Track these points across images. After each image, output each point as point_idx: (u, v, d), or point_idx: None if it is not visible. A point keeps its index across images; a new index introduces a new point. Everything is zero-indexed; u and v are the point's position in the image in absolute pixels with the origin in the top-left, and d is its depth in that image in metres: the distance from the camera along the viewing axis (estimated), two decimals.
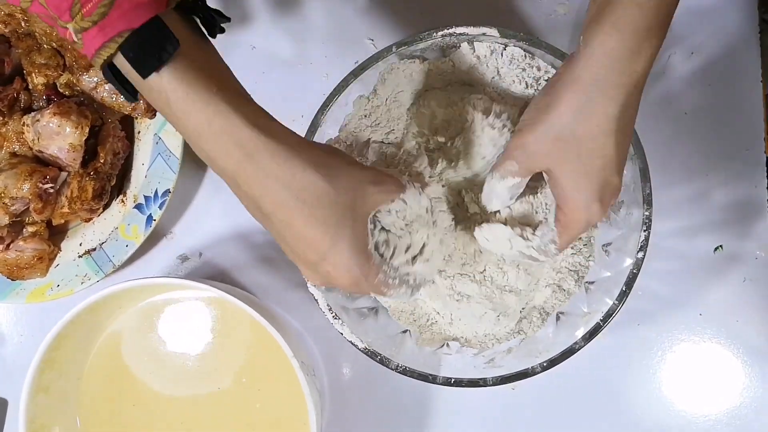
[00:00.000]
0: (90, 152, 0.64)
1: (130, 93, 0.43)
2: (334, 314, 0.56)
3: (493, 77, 0.59)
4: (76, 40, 0.40)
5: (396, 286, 0.48)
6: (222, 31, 0.45)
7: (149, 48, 0.40)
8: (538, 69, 0.58)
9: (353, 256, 0.45)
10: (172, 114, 0.42)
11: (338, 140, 0.60)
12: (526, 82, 0.58)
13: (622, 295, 0.54)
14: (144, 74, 0.40)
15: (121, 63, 0.41)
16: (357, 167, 0.45)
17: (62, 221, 0.67)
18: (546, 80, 0.58)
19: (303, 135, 0.56)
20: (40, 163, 0.64)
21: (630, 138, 0.48)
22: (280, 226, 0.44)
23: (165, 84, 0.40)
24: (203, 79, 0.41)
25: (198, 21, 0.43)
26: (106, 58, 0.40)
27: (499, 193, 0.52)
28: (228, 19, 0.44)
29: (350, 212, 0.44)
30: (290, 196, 0.43)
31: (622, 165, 0.48)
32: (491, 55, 0.58)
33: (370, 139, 0.60)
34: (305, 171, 0.43)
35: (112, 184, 0.66)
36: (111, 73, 0.42)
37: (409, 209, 0.48)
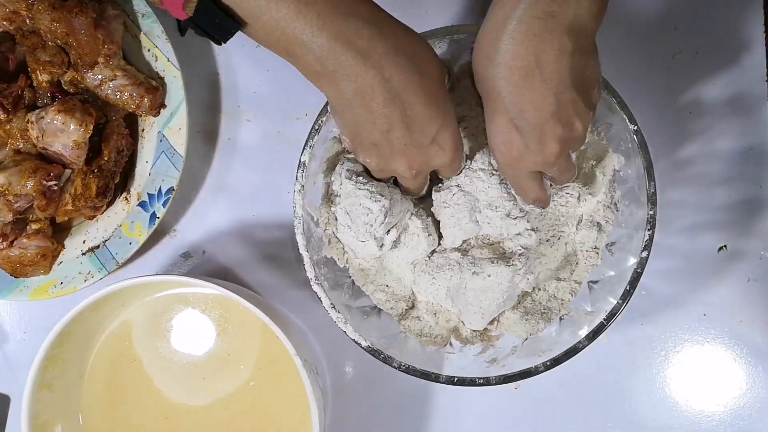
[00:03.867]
0: (94, 150, 0.64)
1: (232, 23, 0.43)
2: (337, 312, 0.56)
3: None
4: None
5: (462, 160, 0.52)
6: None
7: None
8: None
9: (456, 131, 0.49)
10: (291, 13, 0.42)
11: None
12: None
13: (626, 295, 0.54)
14: None
15: None
16: (433, 50, 0.48)
17: (66, 218, 0.67)
18: None
19: (307, 134, 0.57)
20: (44, 161, 0.64)
21: (545, 92, 0.45)
22: (404, 108, 0.45)
23: None
24: None
25: None
26: None
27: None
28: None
29: (444, 87, 0.48)
30: (414, 72, 0.45)
31: (529, 118, 0.46)
32: None
33: None
34: (419, 45, 0.46)
35: (116, 181, 0.66)
36: (213, 5, 0.42)
37: None
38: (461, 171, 0.54)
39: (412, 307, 0.61)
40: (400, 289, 0.60)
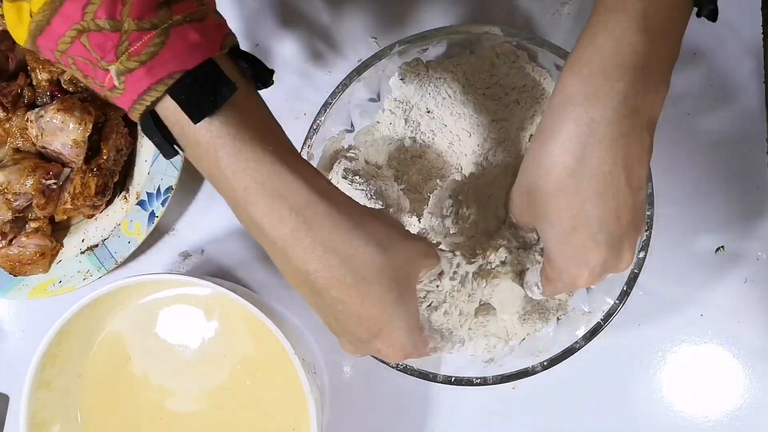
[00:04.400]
0: (93, 148, 0.65)
1: (171, 147, 0.39)
2: None
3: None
4: (117, 84, 0.36)
5: (443, 347, 0.47)
6: (272, 83, 0.42)
7: (203, 91, 0.36)
8: None
9: (408, 333, 0.42)
10: (219, 172, 0.38)
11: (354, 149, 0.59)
12: None
13: (623, 295, 0.54)
14: (196, 119, 0.36)
15: (166, 111, 0.37)
16: (411, 239, 0.43)
17: (65, 217, 0.67)
18: None
19: (305, 133, 0.57)
20: (44, 159, 0.65)
21: (626, 197, 0.41)
22: (332, 303, 0.40)
23: (215, 134, 0.37)
24: (258, 132, 0.38)
25: (248, 70, 0.40)
26: (150, 102, 0.37)
27: (509, 236, 0.51)
28: (272, 72, 0.42)
29: (405, 288, 0.42)
30: (349, 272, 0.39)
31: (612, 230, 0.42)
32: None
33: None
34: (368, 245, 0.40)
35: (115, 180, 0.66)
36: (152, 123, 0.38)
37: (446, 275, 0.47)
38: (444, 350, 0.48)
39: None
40: None
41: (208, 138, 0.37)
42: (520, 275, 0.51)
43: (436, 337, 0.46)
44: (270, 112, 0.41)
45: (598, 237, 0.42)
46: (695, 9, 0.43)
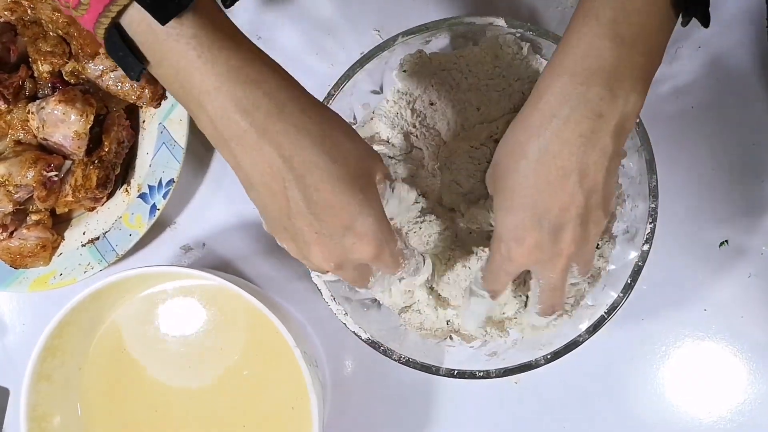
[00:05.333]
0: (94, 141, 0.64)
1: (136, 60, 0.39)
2: (337, 305, 0.56)
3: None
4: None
5: (408, 257, 0.47)
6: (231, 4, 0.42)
7: None
8: None
9: (379, 220, 0.43)
10: (188, 65, 0.38)
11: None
12: None
13: (627, 288, 0.54)
14: (163, 20, 0.37)
15: (131, 21, 0.38)
16: (361, 138, 0.44)
17: (66, 210, 0.67)
18: None
19: None
20: (45, 151, 0.64)
21: (577, 196, 0.44)
22: (306, 193, 0.40)
23: (184, 32, 0.37)
24: (225, 30, 0.39)
25: None
26: (116, 13, 0.37)
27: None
28: None
29: (369, 177, 0.43)
30: (322, 154, 0.40)
31: (553, 219, 0.44)
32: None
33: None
34: (335, 129, 0.41)
35: (117, 173, 0.66)
36: (117, 36, 0.38)
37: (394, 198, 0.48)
38: (409, 267, 0.48)
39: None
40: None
41: (176, 37, 0.38)
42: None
43: (401, 247, 0.47)
44: (233, 24, 0.41)
45: (539, 219, 0.45)
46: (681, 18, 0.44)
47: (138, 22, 0.38)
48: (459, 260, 0.57)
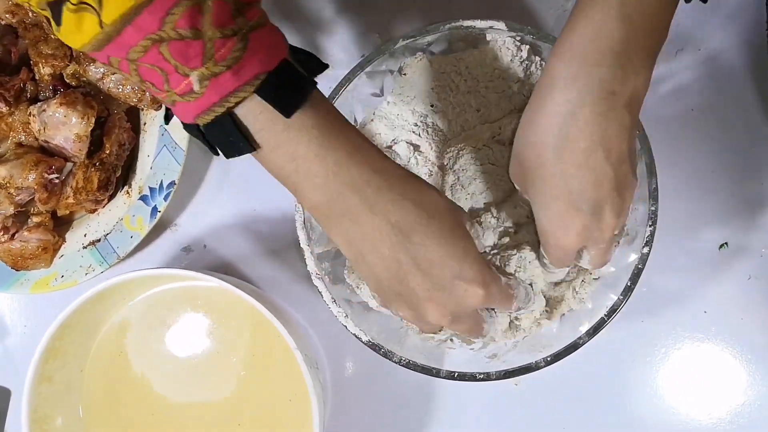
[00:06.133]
0: (96, 143, 0.65)
1: (247, 146, 0.41)
2: (338, 307, 0.56)
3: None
4: (197, 88, 0.38)
5: (515, 287, 0.50)
6: (324, 68, 0.44)
7: (288, 88, 0.40)
8: None
9: (481, 263, 0.45)
10: (309, 153, 0.41)
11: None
12: None
13: (627, 291, 0.54)
14: (288, 113, 0.40)
15: (247, 111, 0.40)
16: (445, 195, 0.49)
17: (67, 212, 0.67)
18: None
19: None
20: (46, 154, 0.64)
21: (605, 170, 0.45)
22: (414, 251, 0.43)
23: (307, 122, 0.41)
24: (337, 117, 0.43)
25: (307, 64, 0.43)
26: (234, 104, 0.39)
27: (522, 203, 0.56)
28: (327, 66, 0.44)
29: (462, 226, 0.46)
30: (422, 213, 0.43)
31: (590, 198, 0.46)
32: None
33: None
34: (426, 191, 0.45)
35: (118, 175, 0.66)
36: (231, 123, 0.40)
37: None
38: (520, 297, 0.51)
39: None
40: None
41: (299, 127, 0.41)
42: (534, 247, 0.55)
43: (506, 281, 0.49)
44: (338, 111, 0.44)
45: (577, 204, 0.46)
46: None
47: (255, 113, 0.40)
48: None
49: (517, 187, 0.52)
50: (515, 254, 0.55)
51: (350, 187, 0.42)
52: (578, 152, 0.44)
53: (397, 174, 0.44)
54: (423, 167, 0.59)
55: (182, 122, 0.42)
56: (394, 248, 0.43)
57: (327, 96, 0.56)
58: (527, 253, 0.55)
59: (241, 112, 0.40)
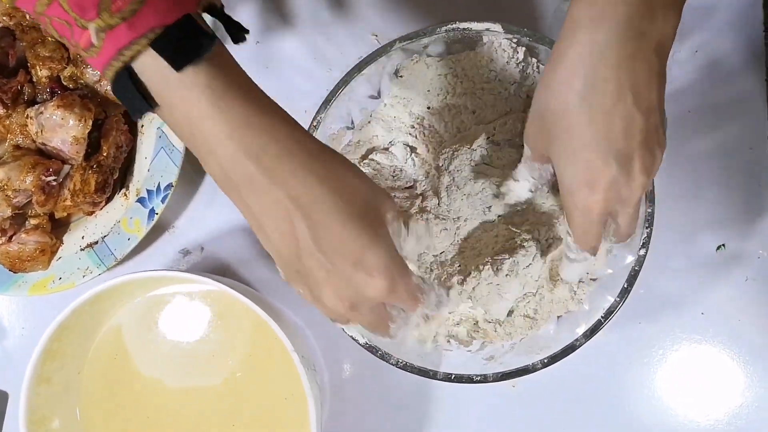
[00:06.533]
0: (93, 145, 0.65)
1: (144, 102, 0.40)
2: None
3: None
4: (95, 41, 0.38)
5: (427, 290, 0.46)
6: (243, 39, 0.43)
7: (184, 43, 0.38)
8: None
9: (391, 255, 0.42)
10: (199, 114, 0.39)
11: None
12: None
13: (624, 293, 0.54)
14: (179, 66, 0.38)
15: (143, 66, 0.38)
16: (369, 178, 0.44)
17: (65, 214, 0.67)
18: None
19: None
20: (44, 156, 0.65)
21: (635, 117, 0.42)
22: (316, 229, 0.41)
23: (200, 80, 0.38)
24: (237, 78, 0.40)
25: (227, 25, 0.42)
26: (129, 58, 0.38)
27: (525, 175, 0.52)
28: (247, 32, 0.43)
29: (377, 214, 0.43)
30: (329, 192, 0.41)
31: (620, 148, 0.42)
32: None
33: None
34: (340, 168, 0.42)
35: (115, 177, 0.66)
36: (127, 79, 0.39)
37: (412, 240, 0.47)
38: (429, 302, 0.46)
39: None
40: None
41: (190, 86, 0.39)
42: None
43: (419, 281, 0.45)
44: (243, 71, 0.42)
45: (606, 154, 0.43)
46: None
47: (152, 68, 0.39)
48: (468, 263, 0.57)
49: (530, 148, 0.49)
50: (508, 259, 0.55)
51: (245, 152, 0.40)
52: (607, 96, 0.41)
53: (305, 146, 0.41)
54: (420, 169, 0.59)
55: None
56: (293, 225, 0.41)
57: (324, 98, 0.57)
58: (521, 258, 0.55)
59: (138, 67, 0.39)
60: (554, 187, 0.54)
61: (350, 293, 0.43)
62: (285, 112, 0.42)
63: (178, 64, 0.38)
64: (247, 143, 0.40)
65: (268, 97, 0.42)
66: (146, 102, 0.40)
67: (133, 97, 0.40)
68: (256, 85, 0.42)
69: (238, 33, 0.43)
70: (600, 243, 0.49)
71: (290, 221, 0.41)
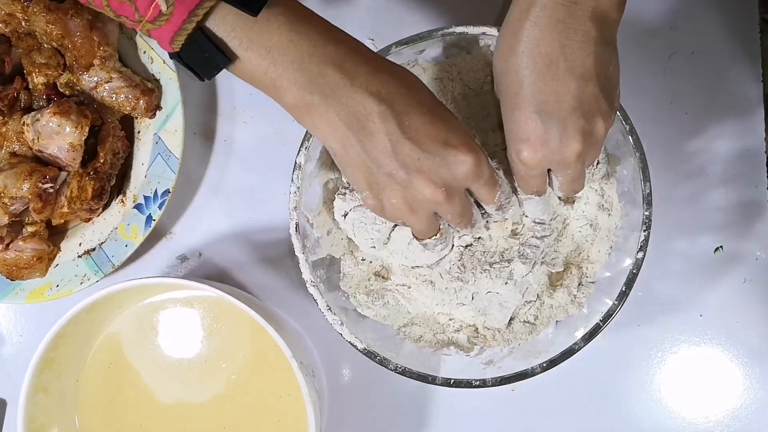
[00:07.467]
0: (90, 152, 0.64)
1: (223, 59, 0.42)
2: (333, 315, 0.56)
3: None
4: (163, 8, 0.40)
5: (501, 179, 0.50)
6: None
7: None
8: None
9: (468, 135, 0.46)
10: (283, 40, 0.42)
11: None
12: None
13: (622, 296, 0.54)
14: (255, 11, 0.41)
15: (216, 22, 0.41)
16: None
17: (62, 221, 0.67)
18: None
19: (303, 135, 0.57)
20: (40, 163, 0.64)
21: (568, 82, 0.44)
22: (400, 119, 0.43)
23: (275, 11, 0.42)
24: (301, 6, 0.44)
25: None
26: (202, 16, 0.40)
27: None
28: None
29: (440, 102, 0.47)
30: (404, 86, 0.44)
31: (550, 110, 0.45)
32: None
33: None
34: (407, 72, 0.46)
35: (112, 183, 0.66)
36: (203, 38, 0.41)
37: None
38: (507, 202, 0.51)
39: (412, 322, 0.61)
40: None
41: (266, 20, 0.42)
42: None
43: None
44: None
45: (537, 114, 0.45)
46: None
47: (227, 18, 0.41)
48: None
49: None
50: (508, 267, 0.55)
51: (330, 64, 0.43)
52: (539, 58, 0.44)
53: (371, 54, 0.45)
54: None
55: (168, 53, 0.44)
56: (379, 120, 0.43)
57: None
58: (521, 267, 0.55)
59: (211, 24, 0.41)
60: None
61: (444, 174, 0.45)
62: (341, 29, 0.45)
63: (252, 7, 0.41)
64: (329, 55, 0.43)
65: (325, 19, 0.45)
66: (225, 56, 0.42)
67: (211, 54, 0.42)
68: (312, 11, 0.45)
69: None
70: (542, 189, 0.51)
71: (375, 115, 0.43)
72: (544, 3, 0.43)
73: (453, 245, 0.55)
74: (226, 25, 0.41)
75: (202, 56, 0.42)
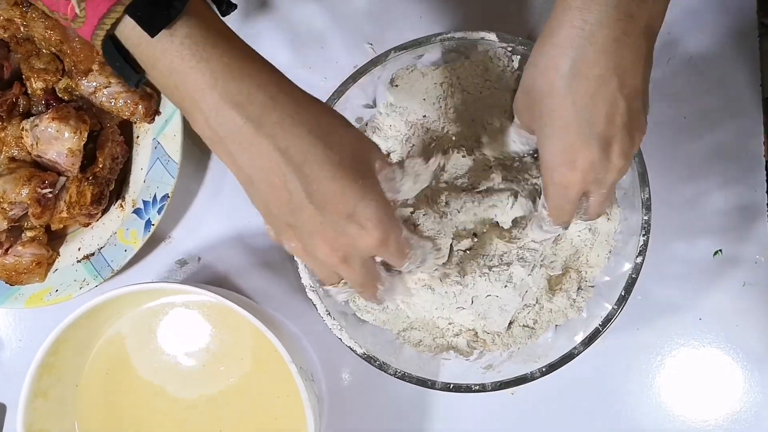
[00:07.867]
0: (89, 157, 0.64)
1: (133, 70, 0.40)
2: (332, 319, 0.56)
3: None
4: (78, 11, 0.38)
5: (414, 246, 0.46)
6: (234, 7, 0.43)
7: (158, 6, 0.38)
8: None
9: (383, 207, 0.42)
10: (184, 66, 0.39)
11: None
12: None
13: (621, 300, 0.54)
14: (154, 31, 0.38)
15: (125, 32, 0.39)
16: (355, 127, 0.44)
17: (61, 226, 0.67)
18: None
19: None
20: (39, 168, 0.64)
21: (619, 102, 0.42)
22: (307, 182, 0.40)
23: (179, 31, 0.38)
24: (217, 27, 0.40)
25: None
26: (110, 25, 0.38)
27: (514, 137, 0.54)
28: (235, 6, 0.43)
29: (368, 164, 0.43)
30: (318, 142, 0.40)
31: (601, 131, 0.43)
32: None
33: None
34: (328, 118, 0.41)
35: (111, 188, 0.66)
36: (112, 47, 0.40)
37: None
38: (415, 258, 0.47)
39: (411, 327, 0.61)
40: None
41: (170, 38, 0.38)
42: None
43: (408, 236, 0.46)
44: (223, 22, 0.41)
45: (587, 136, 0.43)
46: None
47: (131, 30, 0.39)
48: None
49: (518, 121, 0.50)
50: (507, 270, 0.55)
51: (229, 102, 0.39)
52: (592, 80, 0.42)
53: (292, 95, 0.40)
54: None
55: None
56: (284, 178, 0.40)
57: None
58: (519, 270, 0.55)
59: (120, 35, 0.39)
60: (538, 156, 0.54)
61: (342, 244, 0.42)
62: (267, 61, 0.41)
63: (151, 27, 0.38)
64: (230, 91, 0.39)
65: (250, 46, 0.41)
66: (133, 68, 0.40)
67: (122, 65, 0.40)
68: (237, 35, 0.41)
69: (227, 9, 0.43)
70: (570, 220, 0.50)
71: (280, 174, 0.40)
72: (600, 20, 0.41)
73: (448, 254, 0.55)
74: (132, 39, 0.39)
75: (116, 65, 0.40)
